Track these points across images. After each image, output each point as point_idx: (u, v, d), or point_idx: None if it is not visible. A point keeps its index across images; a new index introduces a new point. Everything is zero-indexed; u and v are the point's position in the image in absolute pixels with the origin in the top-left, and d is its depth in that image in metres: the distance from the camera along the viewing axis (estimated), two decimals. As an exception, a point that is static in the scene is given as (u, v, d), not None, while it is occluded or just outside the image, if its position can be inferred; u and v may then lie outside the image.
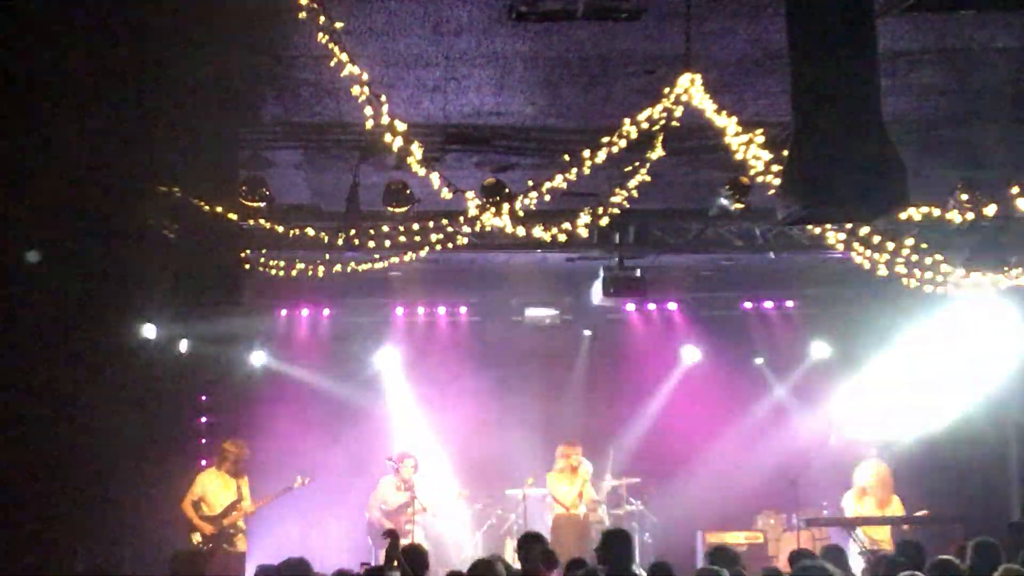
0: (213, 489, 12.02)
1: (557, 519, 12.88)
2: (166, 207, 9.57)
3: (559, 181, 8.65)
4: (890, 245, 10.15)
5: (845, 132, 5.99)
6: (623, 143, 8.10)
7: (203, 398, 14.15)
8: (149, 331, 11.89)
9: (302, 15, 7.06)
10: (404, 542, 11.65)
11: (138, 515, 11.49)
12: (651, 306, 14.68)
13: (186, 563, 8.82)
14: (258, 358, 14.40)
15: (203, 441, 13.67)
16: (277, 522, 13.22)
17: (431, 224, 10.08)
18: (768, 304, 15.07)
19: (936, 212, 9.65)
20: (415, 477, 13.00)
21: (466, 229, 9.61)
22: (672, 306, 14.92)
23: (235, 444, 12.26)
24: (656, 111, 7.83)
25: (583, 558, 8.42)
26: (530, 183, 8.99)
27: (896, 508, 12.32)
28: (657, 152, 8.34)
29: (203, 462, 13.04)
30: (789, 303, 15.00)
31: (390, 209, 10.23)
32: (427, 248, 10.14)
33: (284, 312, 14.38)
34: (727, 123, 7.82)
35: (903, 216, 9.30)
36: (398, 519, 12.86)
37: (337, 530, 13.88)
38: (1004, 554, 7.85)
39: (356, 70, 7.37)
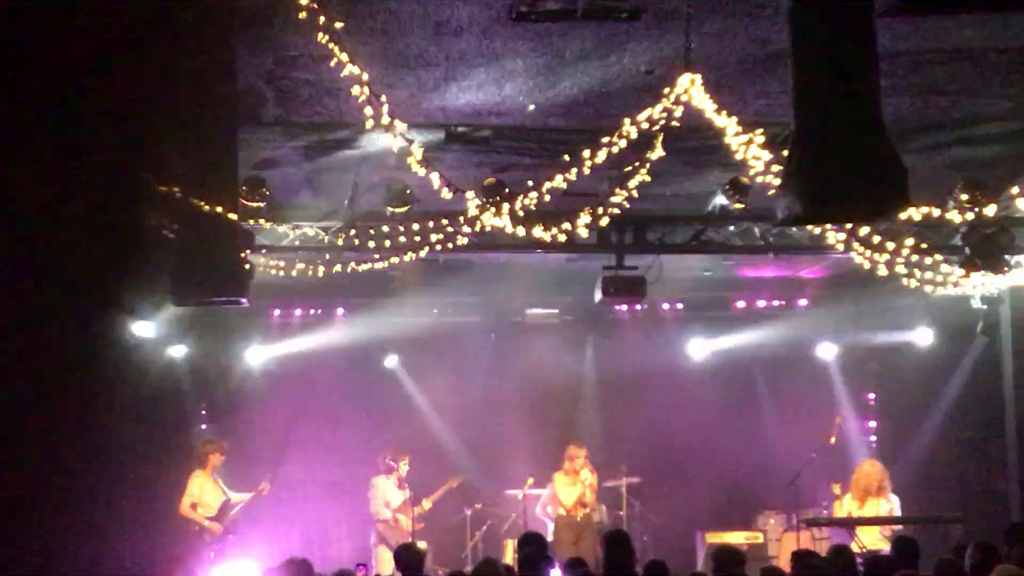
0: (207, 490, 12.03)
1: (558, 520, 12.90)
2: (166, 207, 9.55)
3: (559, 181, 8.66)
4: (890, 245, 10.15)
5: (845, 132, 6.00)
6: (623, 143, 8.10)
7: (202, 398, 14.13)
8: (148, 331, 11.87)
9: (302, 15, 7.06)
10: (407, 541, 11.71)
11: (139, 517, 11.48)
12: (651, 306, 14.66)
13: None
14: (259, 357, 14.39)
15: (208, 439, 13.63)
16: (277, 522, 13.22)
17: (431, 224, 10.07)
18: (768, 304, 15.07)
19: (936, 212, 9.65)
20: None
21: (466, 229, 9.61)
22: (672, 306, 14.91)
23: (211, 443, 12.27)
24: (656, 111, 7.82)
25: (583, 559, 8.42)
26: (530, 183, 8.98)
27: (894, 507, 12.31)
28: (657, 152, 8.34)
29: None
30: (789, 303, 15.00)
31: (390, 209, 10.23)
32: (427, 248, 10.13)
33: (284, 312, 14.38)
34: (727, 123, 7.83)
35: (903, 216, 9.30)
36: (403, 517, 12.86)
37: (337, 530, 13.88)
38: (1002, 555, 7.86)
39: (356, 70, 7.37)
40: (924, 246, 10.34)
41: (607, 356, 15.16)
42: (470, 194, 8.93)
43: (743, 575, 7.71)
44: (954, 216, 9.81)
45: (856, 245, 10.16)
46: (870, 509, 12.19)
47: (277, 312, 14.31)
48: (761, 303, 15.08)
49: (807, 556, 8.27)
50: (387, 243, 10.32)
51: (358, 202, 10.71)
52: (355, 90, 7.48)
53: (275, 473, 12.65)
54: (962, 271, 10.58)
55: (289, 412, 14.29)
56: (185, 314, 11.67)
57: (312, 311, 14.50)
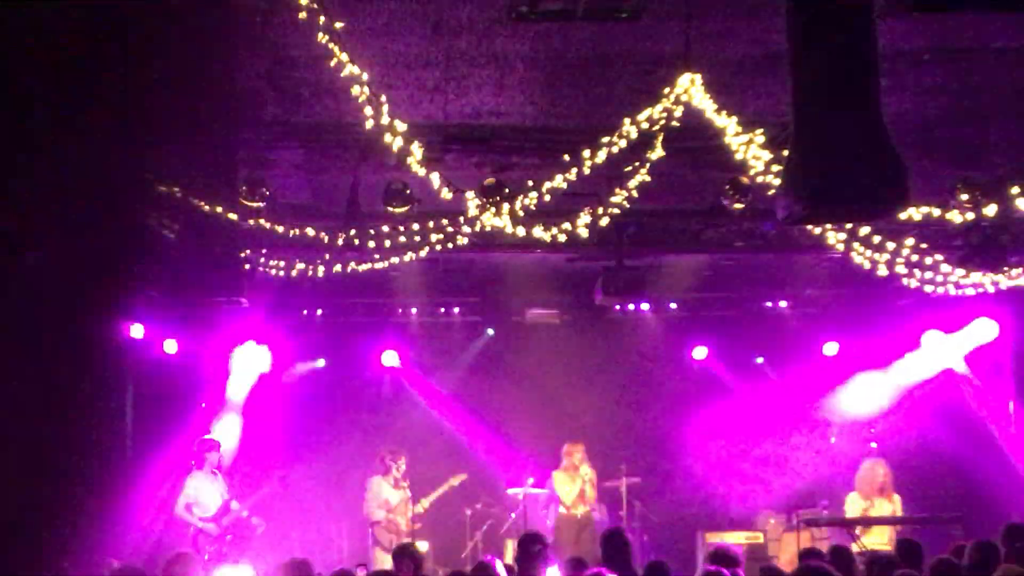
0: (205, 490, 11.97)
1: (559, 519, 12.90)
2: (166, 207, 9.57)
3: (559, 181, 8.66)
4: (890, 245, 10.16)
5: (845, 132, 5.99)
6: (623, 143, 8.10)
7: (201, 397, 14.11)
8: (146, 331, 11.88)
9: (302, 15, 7.06)
10: (403, 541, 11.70)
11: (138, 517, 11.47)
12: (650, 306, 14.66)
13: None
14: (258, 357, 14.36)
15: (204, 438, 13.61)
16: (276, 522, 13.21)
17: (431, 224, 10.07)
18: (769, 304, 15.05)
19: (936, 212, 9.65)
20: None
21: (466, 229, 9.61)
22: (672, 306, 14.90)
23: (207, 442, 12.24)
24: (656, 111, 7.83)
25: (583, 558, 8.42)
26: (530, 183, 8.99)
27: (897, 507, 12.31)
28: (657, 152, 8.34)
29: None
30: (790, 303, 14.98)
31: (390, 209, 10.23)
32: (427, 248, 10.13)
33: (284, 312, 14.36)
34: (727, 123, 7.84)
35: (903, 216, 9.30)
36: (402, 518, 12.84)
37: (337, 530, 13.87)
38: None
39: (356, 70, 7.37)
40: (924, 246, 10.34)
41: (607, 356, 15.15)
42: (470, 194, 8.93)
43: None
44: (954, 216, 9.81)
45: (856, 245, 10.16)
46: (877, 509, 12.20)
47: (278, 312, 14.27)
48: (762, 303, 15.05)
49: (814, 555, 8.29)
50: (387, 243, 10.31)
51: (358, 202, 10.70)
52: (355, 90, 7.48)
53: (287, 471, 12.64)
54: (962, 271, 10.58)
55: (288, 412, 14.27)
56: (183, 314, 11.69)
57: (311, 310, 14.47)
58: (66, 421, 8.99)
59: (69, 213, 8.26)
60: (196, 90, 8.02)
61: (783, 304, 14.90)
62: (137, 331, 11.71)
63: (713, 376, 15.06)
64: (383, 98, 7.70)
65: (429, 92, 8.90)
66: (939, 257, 10.46)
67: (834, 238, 10.13)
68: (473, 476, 13.83)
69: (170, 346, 12.73)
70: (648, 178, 8.62)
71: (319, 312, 14.46)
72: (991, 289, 10.95)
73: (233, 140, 8.60)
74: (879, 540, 11.84)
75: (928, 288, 10.89)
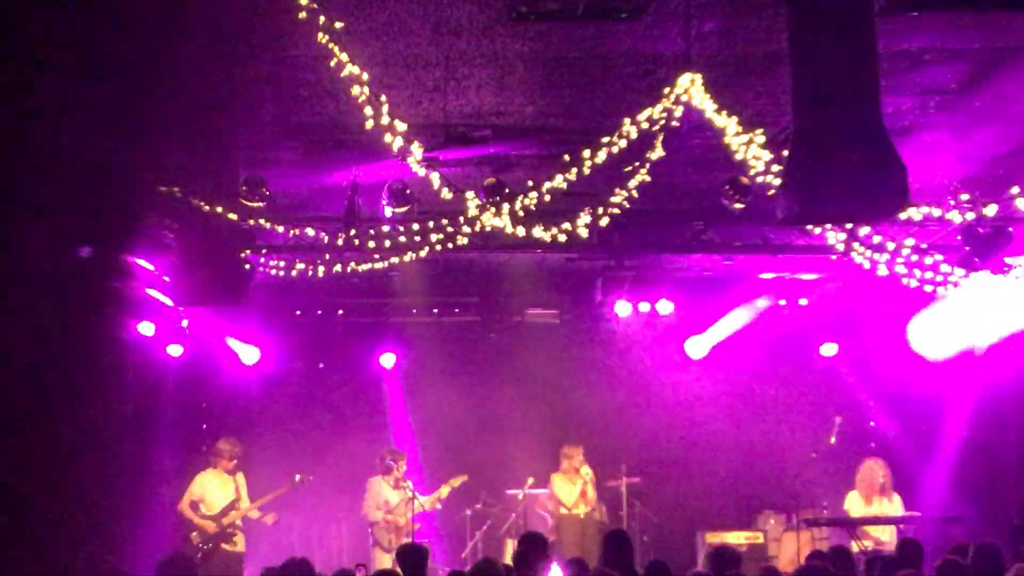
0: (211, 489, 11.99)
1: (560, 519, 12.90)
2: (166, 207, 9.57)
3: (559, 181, 8.66)
4: (890, 245, 10.16)
5: (845, 132, 6.00)
6: (623, 143, 8.10)
7: (203, 399, 14.12)
8: (148, 330, 11.89)
9: (302, 15, 7.06)
10: (403, 541, 11.70)
11: (141, 517, 11.47)
12: (650, 306, 14.64)
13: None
14: (258, 358, 14.37)
15: (204, 433, 13.60)
16: (276, 522, 13.22)
17: (431, 224, 10.07)
18: (769, 303, 15.03)
19: (936, 212, 9.65)
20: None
21: (466, 229, 9.61)
22: (672, 306, 14.88)
23: (229, 442, 12.22)
24: (656, 111, 7.83)
25: (584, 558, 8.42)
26: (530, 183, 8.99)
27: (896, 506, 12.31)
28: (657, 152, 8.34)
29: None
30: (790, 303, 14.97)
31: (390, 209, 10.23)
32: (427, 248, 10.13)
33: (284, 312, 14.36)
34: (727, 123, 7.83)
35: (903, 216, 9.30)
36: (402, 518, 12.83)
37: (337, 530, 13.88)
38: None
39: (356, 70, 7.37)
40: (924, 246, 10.34)
41: (607, 356, 15.15)
42: (470, 194, 8.93)
43: (741, 575, 7.70)
44: (954, 216, 9.81)
45: (856, 245, 10.16)
46: (876, 508, 12.19)
47: (278, 313, 14.27)
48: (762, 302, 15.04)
49: (819, 557, 8.30)
50: (387, 243, 10.31)
51: (358, 202, 10.71)
52: (355, 90, 7.48)
53: (309, 475, 12.64)
54: (962, 271, 10.59)
55: (289, 412, 14.28)
56: (184, 314, 11.69)
57: (311, 311, 14.47)
58: (69, 421, 8.99)
59: (69, 213, 8.26)
60: (196, 90, 8.03)
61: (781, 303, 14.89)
62: (139, 331, 11.72)
63: (712, 375, 15.05)
64: (383, 98, 7.69)
65: (429, 92, 8.90)
66: (939, 257, 10.45)
67: (834, 238, 10.13)
68: (473, 476, 13.83)
69: (172, 347, 12.74)
70: (648, 178, 8.62)
71: (319, 312, 14.45)
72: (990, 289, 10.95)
73: (233, 140, 8.59)
74: (880, 540, 11.85)
75: (928, 288, 10.89)
